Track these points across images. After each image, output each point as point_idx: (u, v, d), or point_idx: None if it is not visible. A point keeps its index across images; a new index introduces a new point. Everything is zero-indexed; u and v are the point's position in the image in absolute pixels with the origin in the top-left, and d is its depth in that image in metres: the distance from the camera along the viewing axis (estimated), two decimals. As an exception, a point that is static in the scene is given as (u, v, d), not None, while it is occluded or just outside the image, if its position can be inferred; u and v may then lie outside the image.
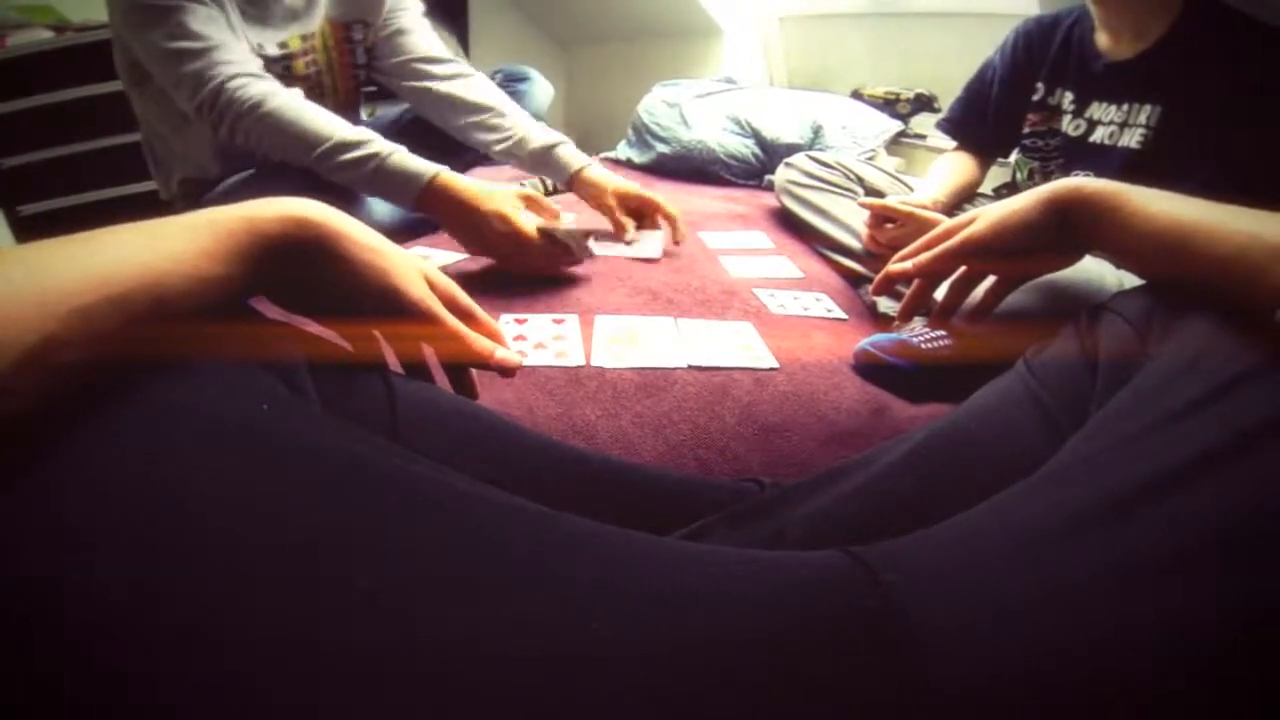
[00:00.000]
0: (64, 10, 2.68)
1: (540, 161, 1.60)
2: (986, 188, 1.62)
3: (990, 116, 1.52)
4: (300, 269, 0.56)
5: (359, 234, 0.59)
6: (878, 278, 0.88)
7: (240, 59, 1.30)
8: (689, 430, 0.90)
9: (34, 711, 0.27)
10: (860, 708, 0.34)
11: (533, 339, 1.05)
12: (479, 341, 0.66)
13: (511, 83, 1.82)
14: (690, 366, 1.01)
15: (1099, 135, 1.29)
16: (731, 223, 1.75)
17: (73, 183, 2.67)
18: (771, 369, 1.03)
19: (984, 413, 0.68)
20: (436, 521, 0.38)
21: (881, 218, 1.29)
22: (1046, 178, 1.40)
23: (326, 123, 1.28)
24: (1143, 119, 1.21)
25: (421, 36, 1.66)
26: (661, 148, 2.55)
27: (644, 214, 1.60)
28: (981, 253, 0.76)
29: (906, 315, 0.86)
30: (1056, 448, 0.51)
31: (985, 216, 0.75)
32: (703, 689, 0.34)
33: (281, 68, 1.51)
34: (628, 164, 2.68)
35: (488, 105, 1.61)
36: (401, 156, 1.26)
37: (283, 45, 1.49)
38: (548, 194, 2.13)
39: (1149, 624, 0.34)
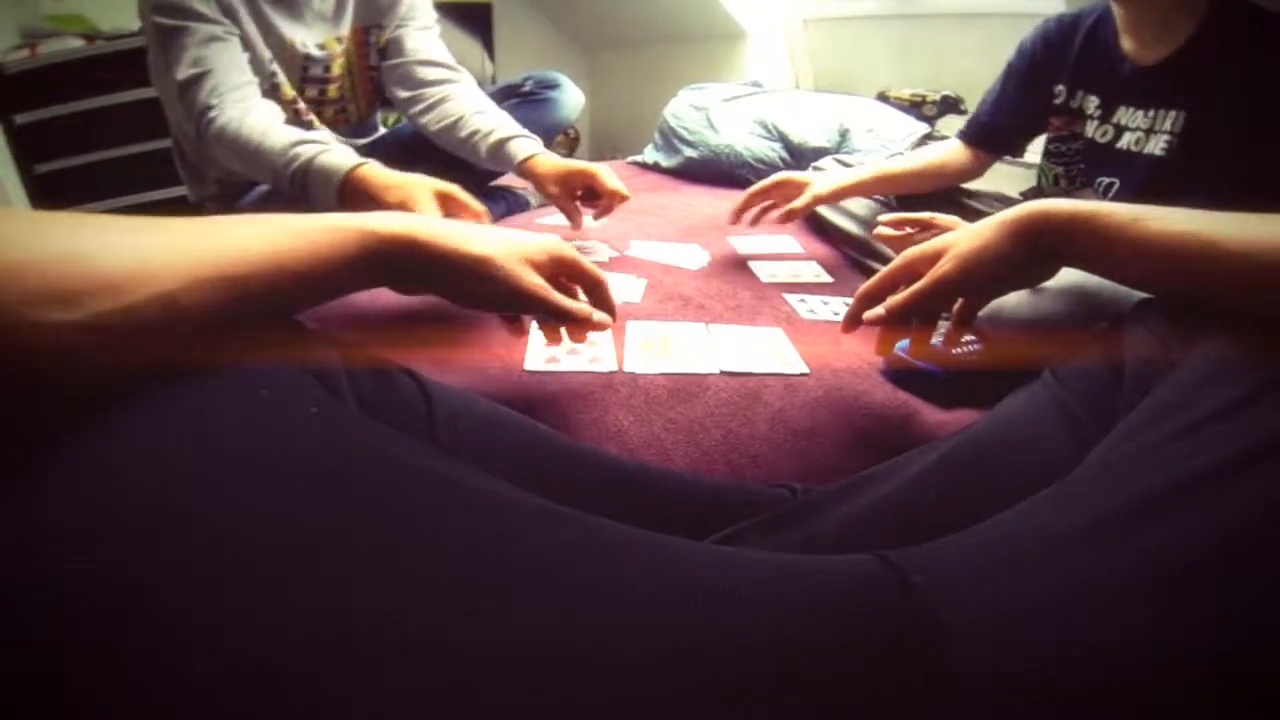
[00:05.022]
0: (95, 19, 2.73)
1: (496, 158, 1.55)
2: (1013, 191, 1.61)
3: (1004, 115, 1.50)
4: (415, 280, 0.63)
5: (467, 245, 0.63)
6: (845, 318, 0.89)
7: (221, 84, 1.30)
8: (721, 436, 0.90)
9: (35, 710, 0.27)
10: (890, 703, 0.35)
11: (565, 344, 1.06)
12: (579, 311, 0.75)
13: (542, 89, 1.83)
14: (722, 372, 1.01)
15: (1125, 141, 1.26)
16: (760, 226, 1.75)
17: (103, 188, 2.73)
18: (802, 374, 1.04)
19: (1011, 421, 0.68)
20: (470, 524, 0.39)
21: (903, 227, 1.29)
22: (1071, 183, 1.39)
23: (279, 137, 1.24)
24: (1168, 125, 1.19)
25: (420, 43, 1.66)
26: (689, 152, 2.55)
27: (594, 191, 1.51)
28: (952, 292, 0.76)
29: (884, 350, 0.90)
30: (1083, 455, 0.52)
31: (954, 252, 0.74)
32: (739, 686, 0.34)
33: (322, 67, 1.54)
34: (655, 167, 2.69)
35: (459, 110, 1.60)
36: (329, 155, 1.20)
37: (321, 46, 1.52)
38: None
39: (1173, 626, 0.35)
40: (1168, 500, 0.39)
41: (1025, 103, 1.45)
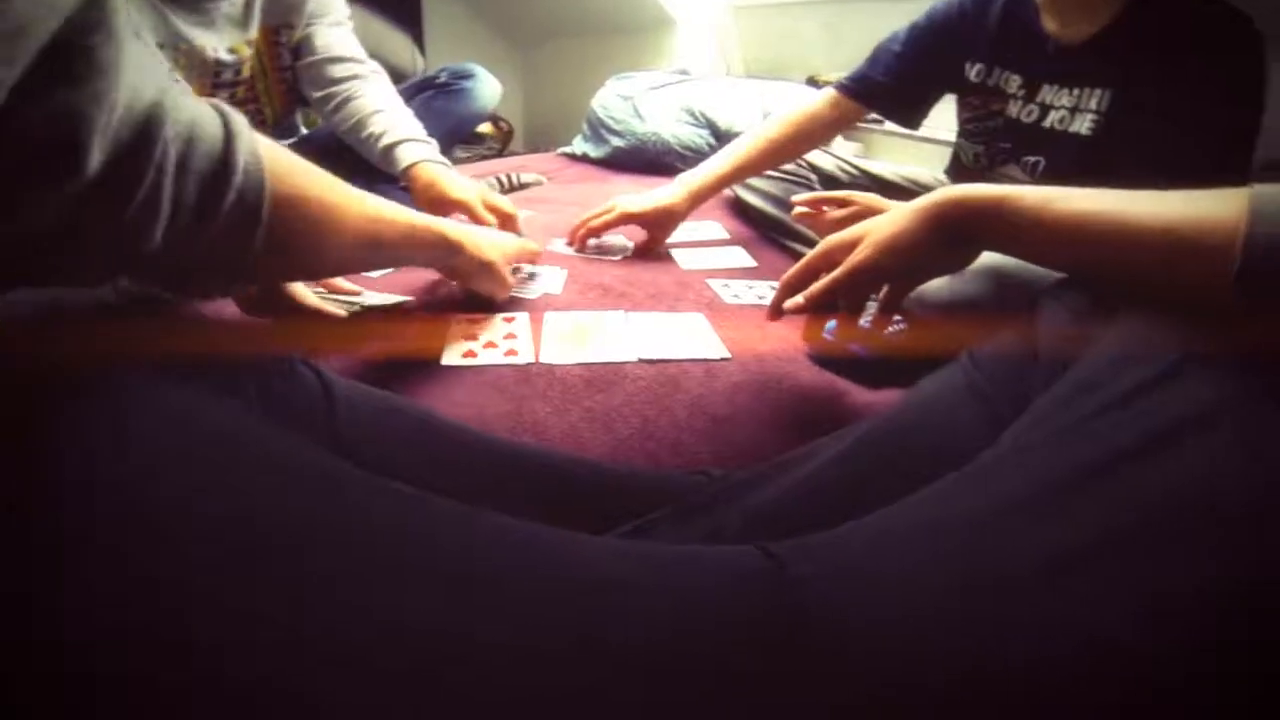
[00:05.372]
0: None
1: (387, 162, 1.48)
2: (937, 170, 1.61)
3: (902, 79, 1.47)
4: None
5: (482, 247, 0.95)
6: (770, 306, 0.89)
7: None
8: (639, 424, 0.89)
9: (31, 709, 0.28)
10: (765, 697, 0.34)
11: (483, 338, 1.04)
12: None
13: (457, 80, 1.80)
14: (640, 360, 1.00)
15: (1050, 120, 1.25)
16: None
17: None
18: (724, 359, 1.02)
19: (924, 405, 0.68)
20: (337, 514, 0.38)
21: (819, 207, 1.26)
22: (993, 161, 1.39)
23: None
24: (1094, 104, 1.18)
25: (330, 40, 1.60)
26: (616, 141, 2.54)
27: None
28: (869, 280, 0.76)
29: (811, 337, 0.88)
30: (996, 437, 0.51)
31: (871, 240, 0.75)
32: (610, 682, 0.33)
33: (233, 71, 1.49)
34: (584, 158, 2.66)
35: (361, 110, 1.54)
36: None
37: (232, 50, 1.47)
38: (505, 191, 2.11)
39: (1073, 611, 0.34)
40: (1072, 486, 0.39)
41: (927, 71, 1.44)
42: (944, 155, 1.62)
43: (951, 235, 0.68)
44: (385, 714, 0.30)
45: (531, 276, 1.27)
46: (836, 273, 0.77)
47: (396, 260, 0.78)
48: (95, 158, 0.33)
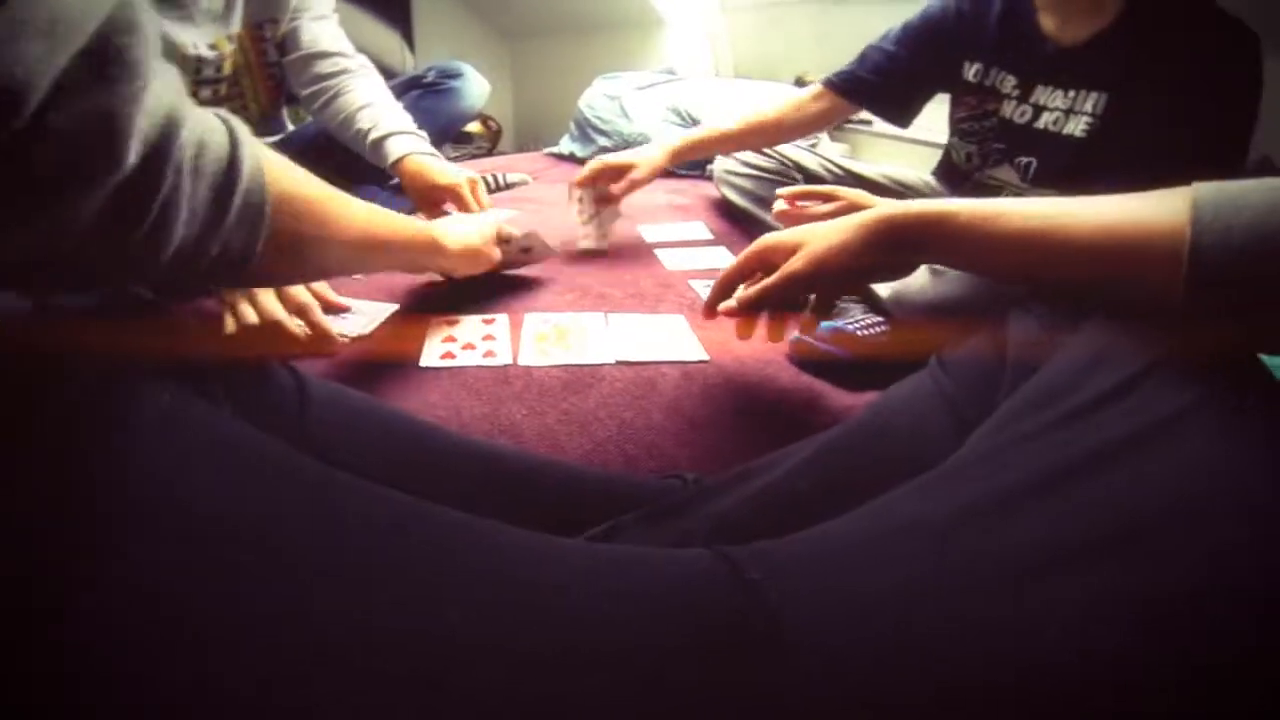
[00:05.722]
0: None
1: (377, 155, 1.48)
2: (924, 171, 1.60)
3: (892, 76, 1.46)
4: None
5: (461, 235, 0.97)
6: (705, 305, 0.89)
7: None
8: (615, 426, 0.89)
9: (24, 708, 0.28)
10: (713, 699, 0.34)
11: (462, 339, 1.04)
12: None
13: (445, 79, 1.79)
14: (618, 362, 1.00)
15: (1044, 121, 1.25)
16: (673, 214, 1.74)
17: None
18: (701, 361, 1.02)
19: (893, 410, 0.68)
20: (302, 511, 0.38)
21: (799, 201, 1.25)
22: (984, 161, 1.39)
23: None
24: (1089, 107, 1.18)
25: (316, 35, 1.59)
26: (603, 141, 2.53)
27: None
28: (802, 289, 0.76)
29: (775, 337, 0.88)
30: (961, 443, 0.51)
31: (808, 251, 0.74)
32: (560, 682, 0.34)
33: (214, 68, 1.48)
34: (571, 158, 2.66)
35: (350, 105, 1.53)
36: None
37: (213, 46, 1.46)
38: (492, 191, 2.10)
39: (1025, 616, 0.34)
40: (1031, 493, 0.39)
41: (919, 69, 1.44)
42: (931, 157, 1.62)
43: (897, 249, 0.67)
44: (356, 715, 0.31)
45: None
46: (770, 280, 0.77)
47: (389, 262, 0.79)
48: (132, 156, 0.34)
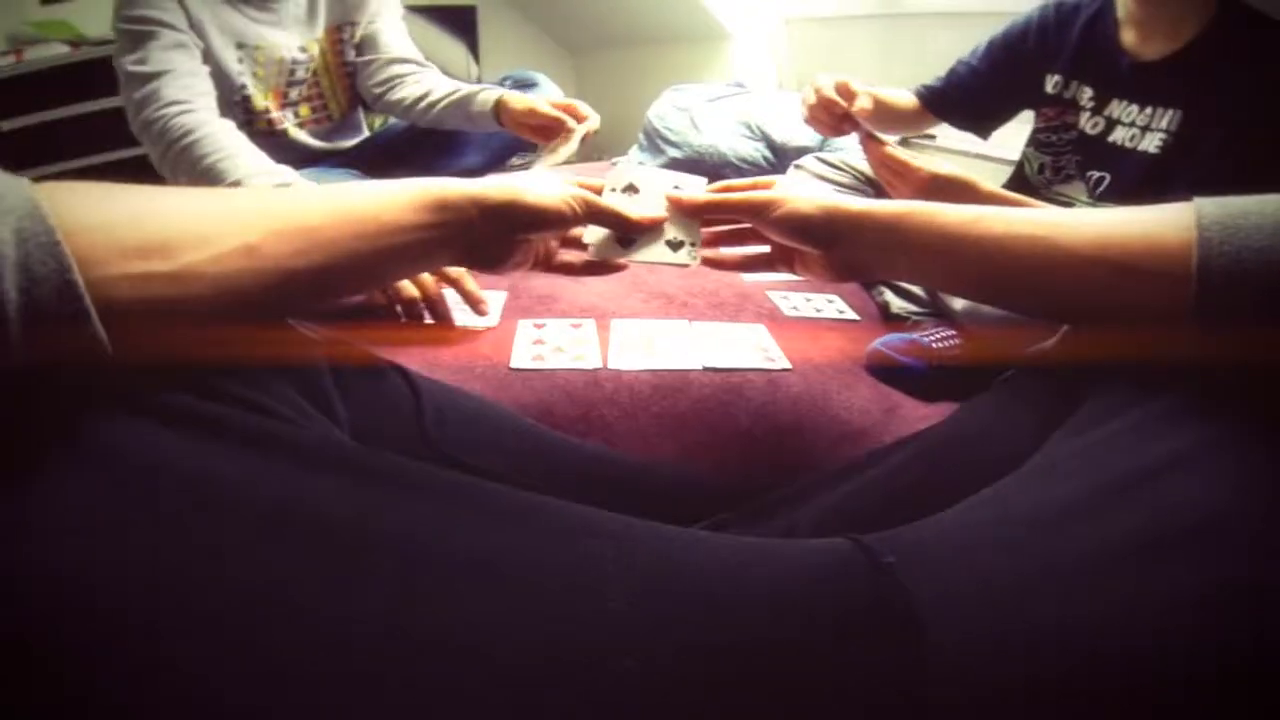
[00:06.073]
0: (81, 26, 2.72)
1: (465, 115, 1.57)
2: (994, 185, 1.60)
3: (974, 91, 1.47)
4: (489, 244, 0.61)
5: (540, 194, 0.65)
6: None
7: (184, 88, 1.29)
8: (704, 431, 0.92)
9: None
10: (860, 681, 0.36)
11: (551, 343, 1.07)
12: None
13: (520, 88, 1.83)
14: (705, 368, 1.03)
15: (1118, 136, 1.25)
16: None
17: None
18: (784, 370, 1.05)
19: (983, 413, 0.69)
20: (450, 512, 0.40)
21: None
22: (1057, 175, 1.39)
23: (236, 162, 1.21)
24: (1164, 124, 1.18)
25: (392, 40, 1.68)
26: (673, 152, 2.56)
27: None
28: (758, 210, 0.69)
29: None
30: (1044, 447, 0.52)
31: (783, 193, 0.68)
32: (709, 668, 0.35)
33: (305, 70, 1.55)
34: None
35: (426, 85, 1.62)
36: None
37: (303, 49, 1.53)
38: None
39: (1132, 604, 0.36)
40: (1124, 488, 0.40)
41: (1002, 83, 1.44)
42: (996, 173, 1.62)
43: (834, 242, 0.64)
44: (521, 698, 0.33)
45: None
46: (751, 193, 0.71)
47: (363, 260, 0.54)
48: None
